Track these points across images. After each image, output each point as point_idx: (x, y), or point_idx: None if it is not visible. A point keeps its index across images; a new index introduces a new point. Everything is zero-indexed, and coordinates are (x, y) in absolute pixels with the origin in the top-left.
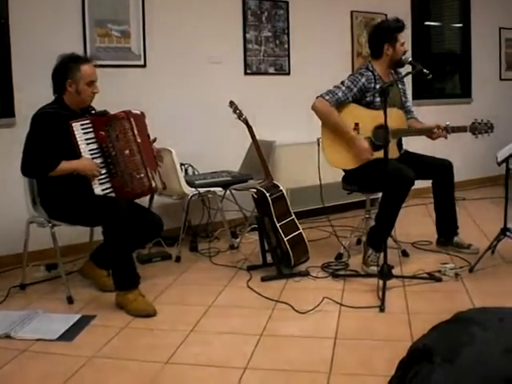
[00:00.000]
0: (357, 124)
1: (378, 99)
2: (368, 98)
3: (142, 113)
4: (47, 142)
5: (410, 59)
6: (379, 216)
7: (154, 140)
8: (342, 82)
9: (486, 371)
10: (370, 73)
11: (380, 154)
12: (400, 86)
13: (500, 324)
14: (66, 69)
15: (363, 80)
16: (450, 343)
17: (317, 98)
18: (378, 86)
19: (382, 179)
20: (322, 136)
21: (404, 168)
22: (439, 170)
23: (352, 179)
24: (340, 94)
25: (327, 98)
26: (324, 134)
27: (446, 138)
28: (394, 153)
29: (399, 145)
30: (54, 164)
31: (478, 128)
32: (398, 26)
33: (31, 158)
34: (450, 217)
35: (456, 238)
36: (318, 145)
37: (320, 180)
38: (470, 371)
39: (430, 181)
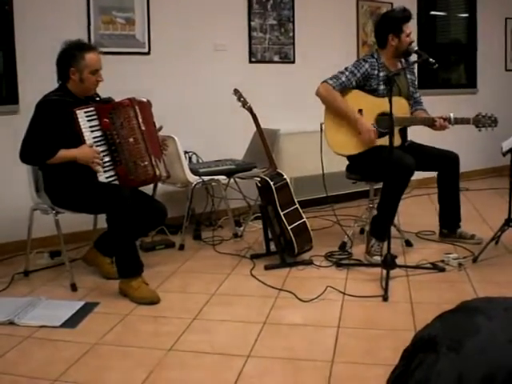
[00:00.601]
0: (360, 110)
1: (382, 87)
2: (374, 85)
3: (148, 101)
4: (49, 129)
5: (416, 48)
6: (380, 205)
7: (160, 128)
8: (346, 68)
9: (491, 361)
10: (374, 60)
11: (382, 141)
12: (409, 75)
13: (505, 314)
14: (70, 56)
15: (366, 66)
16: (455, 332)
17: (321, 83)
18: (381, 74)
19: (383, 167)
20: (324, 121)
21: (404, 156)
22: (445, 163)
23: (355, 168)
24: (343, 78)
25: (331, 82)
26: (327, 118)
27: (447, 127)
28: (396, 140)
29: (404, 136)
30: (52, 152)
31: (482, 121)
32: (404, 15)
33: (30, 144)
34: (454, 209)
35: (459, 230)
36: (321, 130)
37: (322, 168)
38: (475, 361)
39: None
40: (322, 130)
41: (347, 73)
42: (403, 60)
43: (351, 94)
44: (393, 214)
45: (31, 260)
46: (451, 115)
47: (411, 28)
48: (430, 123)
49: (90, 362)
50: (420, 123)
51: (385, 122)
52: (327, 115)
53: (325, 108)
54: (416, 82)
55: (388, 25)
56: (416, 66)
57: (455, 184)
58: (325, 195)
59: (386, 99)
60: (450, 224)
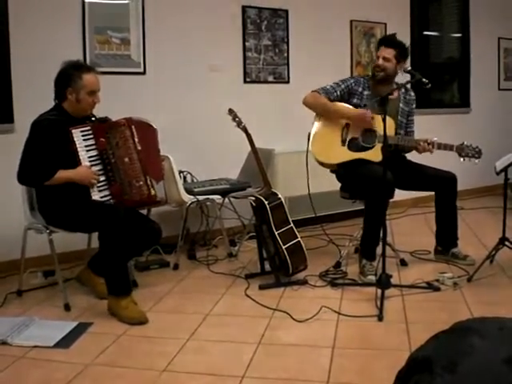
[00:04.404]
0: (347, 124)
1: (362, 103)
2: (355, 101)
3: (155, 129)
4: (45, 150)
5: (410, 68)
6: (364, 223)
7: (163, 160)
8: (333, 82)
9: (486, 381)
10: (362, 79)
11: (363, 155)
12: (401, 105)
13: (500, 333)
14: (67, 76)
15: (352, 81)
16: (450, 353)
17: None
18: (366, 92)
19: (361, 181)
20: (313, 130)
21: (376, 168)
22: (443, 183)
23: (343, 185)
24: (328, 86)
25: (316, 89)
26: (314, 128)
27: (431, 152)
28: (376, 156)
29: (402, 156)
30: (51, 173)
31: (465, 150)
32: (382, 38)
33: (28, 166)
34: (451, 229)
35: (454, 249)
36: (308, 139)
37: (308, 186)
38: (471, 381)
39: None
40: (308, 139)
41: (333, 84)
42: (403, 90)
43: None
44: (377, 232)
45: (25, 280)
46: (435, 140)
47: (384, 53)
48: (414, 145)
49: (83, 382)
50: (404, 142)
51: (370, 137)
52: (315, 124)
53: (314, 118)
54: (411, 118)
55: None
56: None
57: (452, 204)
58: (320, 215)
59: (373, 116)
60: (445, 243)
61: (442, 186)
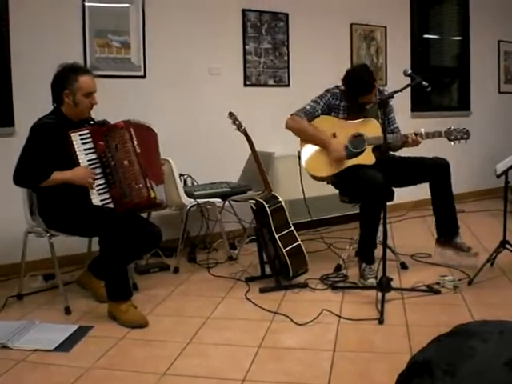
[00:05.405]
0: (334, 134)
1: (340, 115)
2: (333, 114)
3: (155, 132)
4: (42, 152)
5: (410, 71)
6: (361, 228)
7: (163, 163)
8: (311, 100)
9: None
10: (338, 91)
11: (356, 160)
12: (379, 113)
13: (500, 337)
14: (63, 79)
15: (328, 95)
16: (451, 356)
17: (289, 116)
18: (342, 103)
19: (358, 186)
20: (300, 146)
21: (374, 174)
22: (436, 171)
23: (342, 191)
24: (308, 107)
25: (297, 112)
26: (302, 143)
27: (419, 143)
28: (369, 159)
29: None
30: (46, 175)
31: (454, 134)
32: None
33: (24, 167)
34: (450, 216)
35: (457, 238)
36: (299, 157)
37: (303, 193)
38: None
39: (428, 190)
40: (299, 157)
41: (311, 103)
42: (378, 92)
43: (322, 118)
44: (374, 237)
45: (25, 283)
46: (422, 130)
47: (368, 99)
48: (403, 139)
49: None
50: (392, 140)
51: (359, 142)
52: (302, 141)
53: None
54: (391, 116)
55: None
56: (409, 89)
57: (448, 190)
58: (321, 218)
59: (358, 121)
60: (447, 231)
61: (435, 172)
